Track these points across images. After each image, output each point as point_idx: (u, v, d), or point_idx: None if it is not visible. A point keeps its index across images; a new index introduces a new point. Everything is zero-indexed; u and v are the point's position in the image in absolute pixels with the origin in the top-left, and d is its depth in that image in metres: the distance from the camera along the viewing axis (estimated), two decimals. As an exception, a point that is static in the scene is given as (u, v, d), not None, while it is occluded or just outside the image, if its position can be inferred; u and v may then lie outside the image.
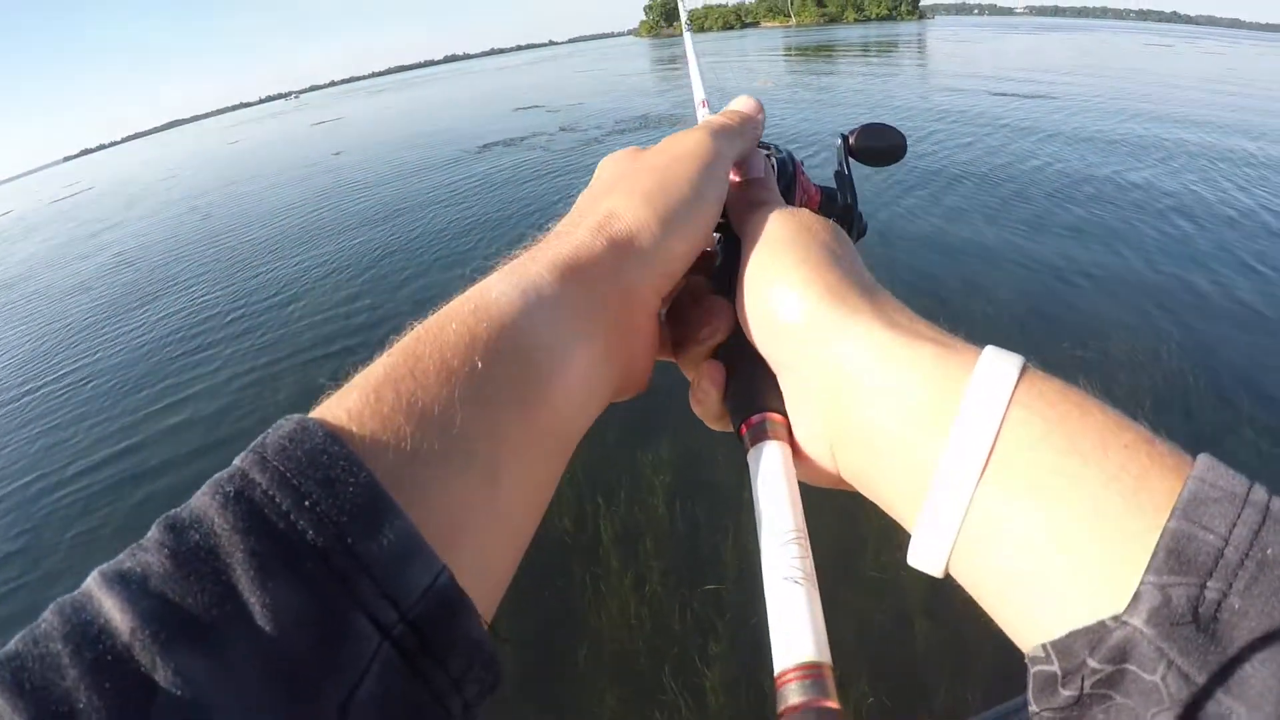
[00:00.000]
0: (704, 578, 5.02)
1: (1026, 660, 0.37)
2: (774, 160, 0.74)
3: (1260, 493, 0.31)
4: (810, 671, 0.40)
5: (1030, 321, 7.81)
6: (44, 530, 6.77)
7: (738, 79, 38.68)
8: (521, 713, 4.22)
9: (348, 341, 9.45)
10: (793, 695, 0.39)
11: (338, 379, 0.49)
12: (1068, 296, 8.24)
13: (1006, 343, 0.48)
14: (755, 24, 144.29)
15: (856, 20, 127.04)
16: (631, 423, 6.57)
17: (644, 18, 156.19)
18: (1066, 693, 0.33)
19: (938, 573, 0.44)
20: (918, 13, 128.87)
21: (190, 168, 43.96)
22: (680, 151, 0.60)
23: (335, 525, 0.33)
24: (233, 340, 10.43)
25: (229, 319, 11.46)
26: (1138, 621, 0.30)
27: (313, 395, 0.49)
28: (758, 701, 4.13)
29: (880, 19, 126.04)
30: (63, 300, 16.05)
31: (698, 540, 5.39)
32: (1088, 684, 0.32)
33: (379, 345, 0.53)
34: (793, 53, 58.24)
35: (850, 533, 4.99)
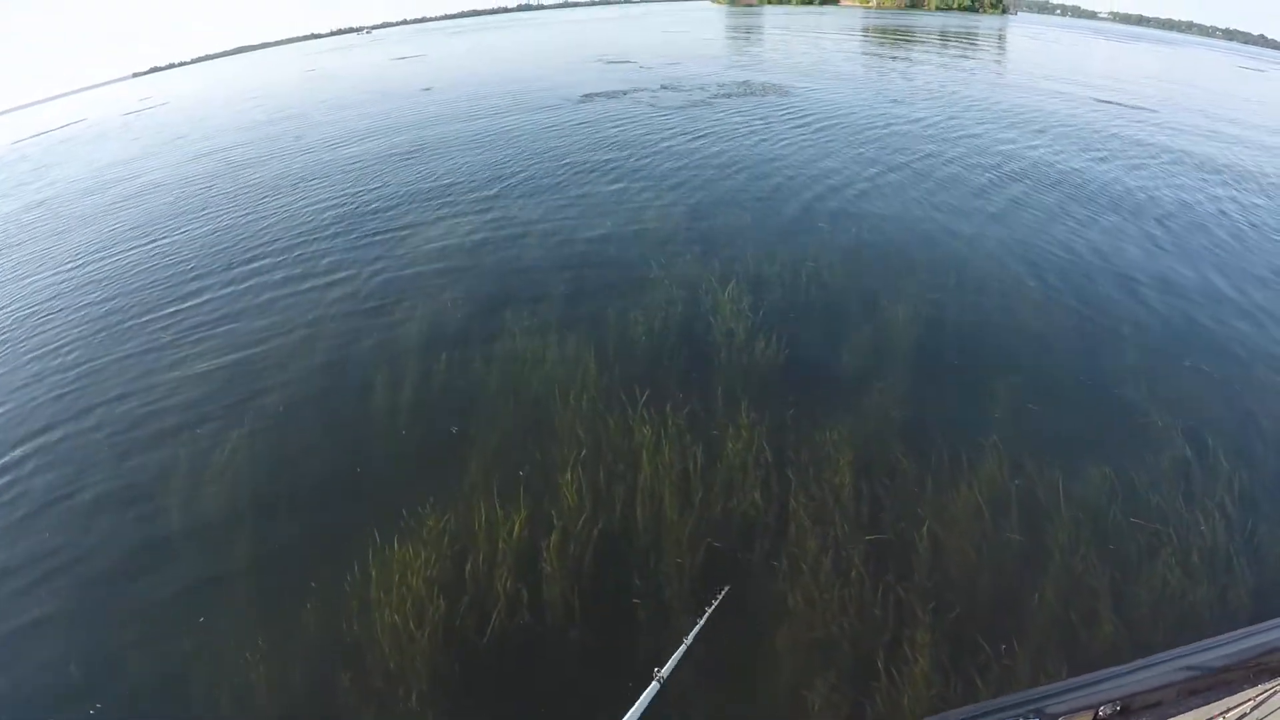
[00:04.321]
0: (896, 564, 4.88)
1: None
2: None
3: None
4: None
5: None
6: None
7: (808, 52, 38.09)
8: (717, 699, 4.19)
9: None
10: None
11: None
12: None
13: None
14: (834, 2, 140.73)
15: (938, 8, 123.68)
16: (810, 396, 6.45)
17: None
18: None
19: None
20: (1000, 6, 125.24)
21: (273, 90, 44.14)
22: None
23: None
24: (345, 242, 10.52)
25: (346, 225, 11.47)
26: None
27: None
28: (968, 693, 4.09)
29: (962, 9, 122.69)
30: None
31: (880, 523, 5.24)
32: None
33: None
34: (870, 33, 57.22)
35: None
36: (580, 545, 5.01)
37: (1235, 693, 1.74)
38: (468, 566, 4.90)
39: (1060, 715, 1.71)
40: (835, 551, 4.92)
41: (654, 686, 2.44)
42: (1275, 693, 1.69)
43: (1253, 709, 1.68)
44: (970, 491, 5.42)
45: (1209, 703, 1.74)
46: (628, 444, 5.98)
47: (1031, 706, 1.72)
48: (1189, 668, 1.74)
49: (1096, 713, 1.72)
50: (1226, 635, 1.82)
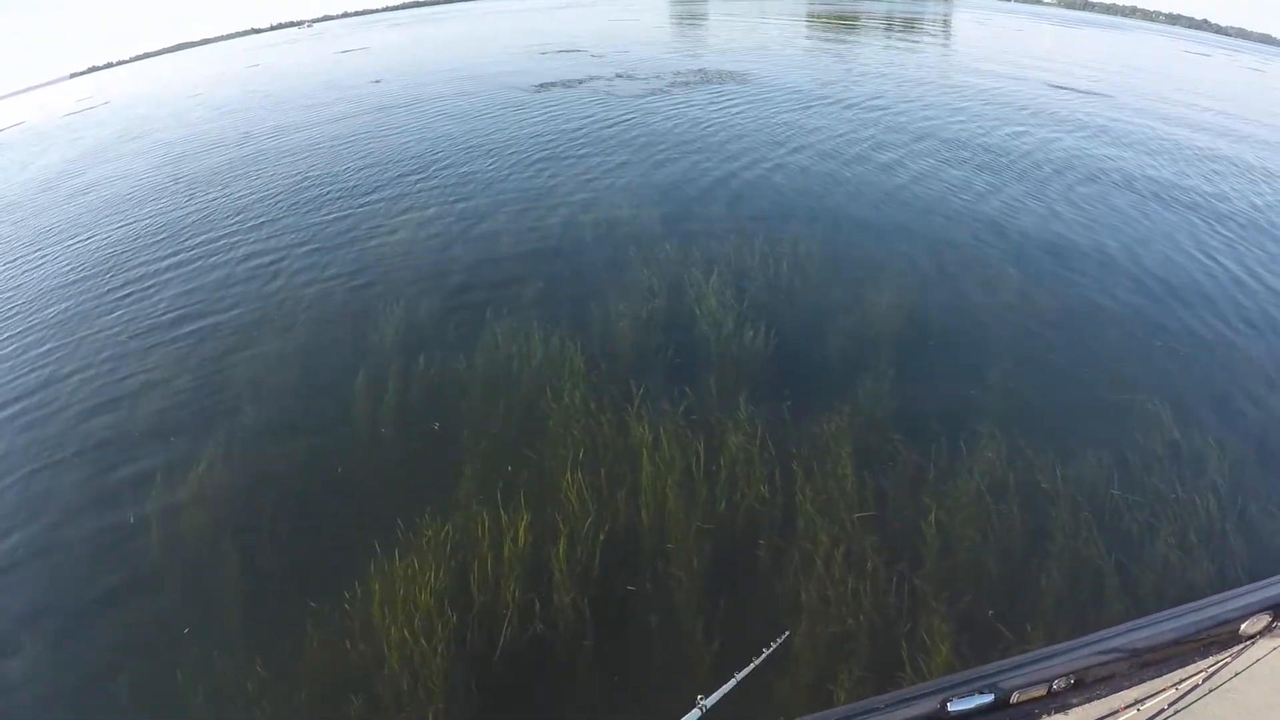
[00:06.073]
0: (907, 554, 4.87)
1: None
2: None
3: None
4: None
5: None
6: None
7: (759, 39, 38.14)
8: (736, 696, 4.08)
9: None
10: None
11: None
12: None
13: None
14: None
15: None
16: (804, 387, 6.41)
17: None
18: None
19: None
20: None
21: (217, 86, 42.83)
22: None
23: None
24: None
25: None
26: None
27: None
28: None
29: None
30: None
31: (886, 512, 5.22)
32: None
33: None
34: (817, 19, 57.54)
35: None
36: (587, 549, 4.88)
37: (1187, 664, 1.82)
38: (473, 577, 4.74)
39: (1015, 689, 1.74)
40: (847, 544, 4.87)
41: (695, 714, 2.32)
42: (1226, 664, 1.76)
43: (1204, 680, 1.74)
44: (971, 477, 5.44)
45: (1161, 675, 1.80)
46: (625, 442, 5.86)
47: (986, 681, 1.75)
48: (1141, 641, 1.81)
49: (1050, 686, 1.77)
50: (1179, 608, 1.88)
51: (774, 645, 2.96)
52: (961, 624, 4.37)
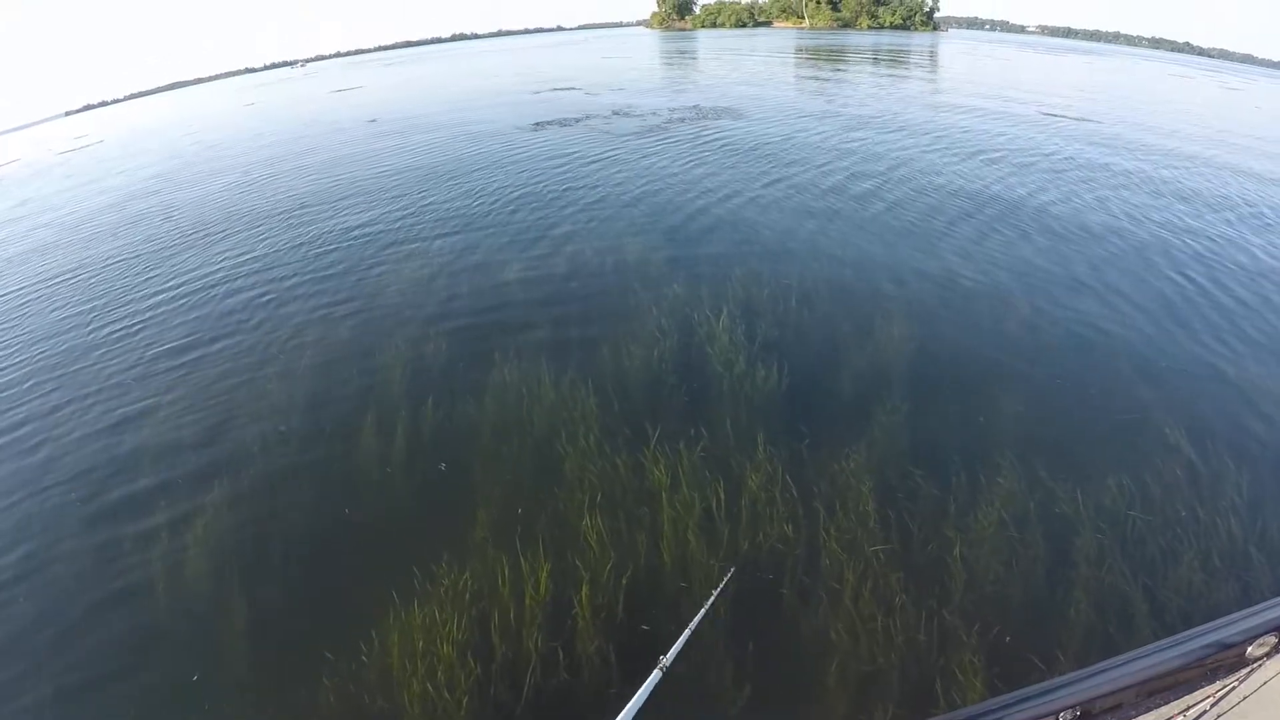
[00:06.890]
0: (935, 588, 4.81)
1: None
2: None
3: None
4: None
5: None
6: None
7: (751, 75, 38.61)
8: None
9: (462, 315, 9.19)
10: None
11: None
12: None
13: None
14: (768, 23, 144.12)
15: (870, 27, 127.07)
16: (821, 424, 6.37)
17: (656, 9, 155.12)
18: None
19: None
20: (931, 24, 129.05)
21: (214, 125, 43.00)
22: None
23: None
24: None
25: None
26: None
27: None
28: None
29: (894, 27, 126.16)
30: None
31: (912, 548, 5.17)
32: None
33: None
34: (804, 54, 58.34)
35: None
36: (610, 595, 4.81)
37: (1194, 690, 1.75)
38: (493, 625, 4.66)
39: None
40: (874, 582, 4.82)
41: (657, 674, 2.35)
42: (1233, 689, 1.70)
43: (1212, 705, 1.68)
44: (992, 508, 5.39)
45: (1168, 702, 1.74)
46: (642, 484, 5.82)
47: (989, 718, 1.66)
48: (1148, 668, 1.72)
49: None
50: (1185, 633, 1.78)
51: (720, 587, 3.01)
52: (992, 657, 4.32)
